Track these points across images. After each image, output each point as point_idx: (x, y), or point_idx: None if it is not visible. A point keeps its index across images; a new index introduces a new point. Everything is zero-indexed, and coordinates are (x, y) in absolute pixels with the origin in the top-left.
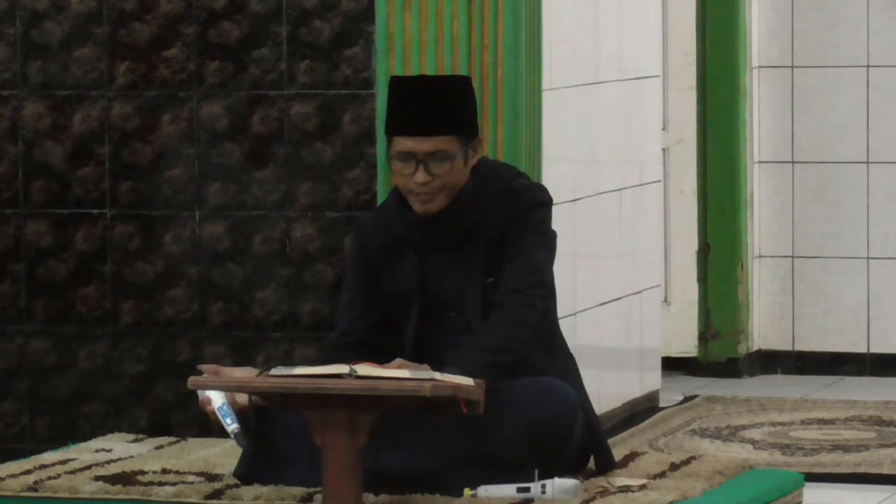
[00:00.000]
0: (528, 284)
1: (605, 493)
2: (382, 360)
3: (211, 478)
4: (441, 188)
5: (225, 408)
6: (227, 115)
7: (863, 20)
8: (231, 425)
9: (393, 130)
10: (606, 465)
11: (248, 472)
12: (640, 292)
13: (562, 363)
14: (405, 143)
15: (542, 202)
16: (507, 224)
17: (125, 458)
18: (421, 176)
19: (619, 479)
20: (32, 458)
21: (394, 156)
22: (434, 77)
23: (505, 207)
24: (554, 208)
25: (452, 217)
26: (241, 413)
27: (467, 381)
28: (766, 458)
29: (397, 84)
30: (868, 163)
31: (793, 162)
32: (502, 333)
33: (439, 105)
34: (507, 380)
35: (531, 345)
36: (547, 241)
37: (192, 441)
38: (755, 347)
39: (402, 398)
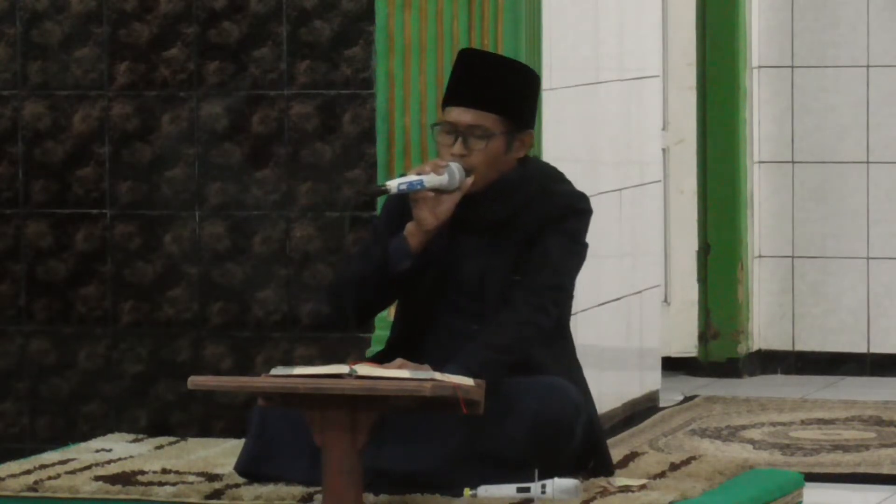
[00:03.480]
0: (545, 287)
1: (605, 493)
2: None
3: (211, 478)
4: (474, 167)
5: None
6: (227, 115)
7: (863, 20)
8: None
9: (445, 100)
10: (604, 469)
11: (247, 468)
12: (640, 292)
13: (566, 365)
14: (451, 114)
15: (581, 211)
16: (541, 224)
17: (125, 458)
18: (458, 148)
19: (619, 479)
20: (32, 458)
21: (440, 125)
22: (498, 56)
23: (544, 208)
24: None
25: (489, 202)
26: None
27: (467, 381)
28: (766, 458)
29: (462, 55)
30: (868, 163)
31: (793, 162)
32: (509, 333)
33: (492, 82)
34: (509, 378)
35: (539, 346)
36: (577, 250)
37: (192, 441)
38: (755, 347)
39: (402, 398)
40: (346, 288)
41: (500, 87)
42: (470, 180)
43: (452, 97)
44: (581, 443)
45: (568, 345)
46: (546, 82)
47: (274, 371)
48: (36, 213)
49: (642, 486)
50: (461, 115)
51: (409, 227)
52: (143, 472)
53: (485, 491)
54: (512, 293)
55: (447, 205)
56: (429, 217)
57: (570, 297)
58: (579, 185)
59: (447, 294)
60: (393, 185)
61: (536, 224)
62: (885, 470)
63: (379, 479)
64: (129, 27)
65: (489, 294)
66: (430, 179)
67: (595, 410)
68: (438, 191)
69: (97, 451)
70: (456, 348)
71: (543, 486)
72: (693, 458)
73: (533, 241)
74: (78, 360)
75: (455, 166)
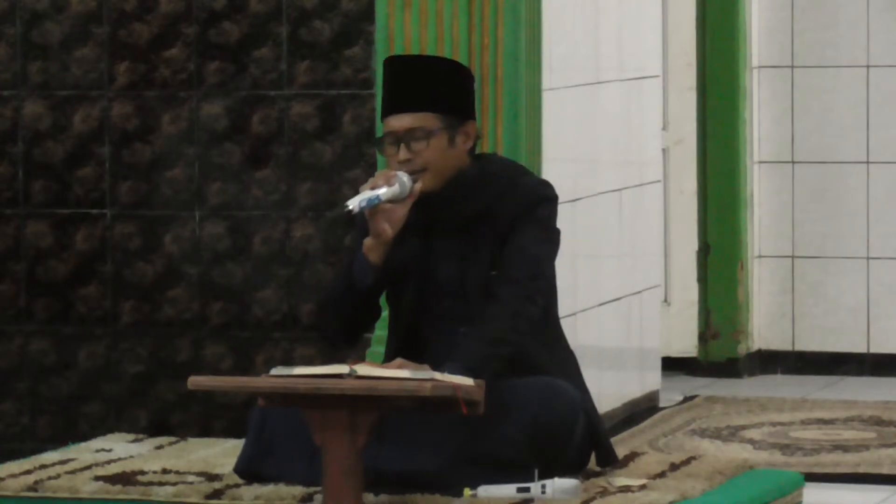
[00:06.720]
0: (526, 277)
1: (605, 493)
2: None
3: (211, 478)
4: (424, 167)
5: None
6: (227, 115)
7: (863, 20)
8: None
9: (382, 113)
10: (607, 459)
11: (247, 468)
12: (640, 292)
13: (562, 358)
14: (389, 123)
15: (547, 198)
16: (512, 217)
17: (125, 458)
18: (402, 154)
19: (619, 479)
20: (32, 458)
21: (383, 139)
22: (422, 56)
23: (511, 201)
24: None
25: (453, 200)
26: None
27: (467, 381)
28: (766, 458)
29: (387, 63)
30: (868, 163)
31: (793, 162)
32: (500, 325)
33: (419, 82)
34: (508, 378)
35: (531, 339)
36: (550, 237)
37: (192, 441)
38: (755, 347)
39: (402, 398)
40: (328, 310)
41: (429, 85)
42: (419, 185)
43: (387, 107)
44: (580, 442)
45: (558, 334)
46: (546, 82)
47: (274, 371)
48: (36, 213)
49: (642, 486)
50: (398, 122)
51: (367, 242)
52: (143, 472)
53: (485, 491)
54: (494, 288)
55: (400, 213)
56: (386, 228)
57: (553, 285)
58: (579, 184)
59: (430, 300)
60: (355, 204)
61: (507, 218)
62: (885, 470)
63: (379, 479)
64: (129, 27)
65: (470, 293)
66: (386, 192)
67: (591, 402)
68: (393, 201)
69: (97, 451)
70: (448, 353)
71: (543, 486)
72: (693, 458)
73: (506, 236)
74: (78, 360)
75: (402, 174)
